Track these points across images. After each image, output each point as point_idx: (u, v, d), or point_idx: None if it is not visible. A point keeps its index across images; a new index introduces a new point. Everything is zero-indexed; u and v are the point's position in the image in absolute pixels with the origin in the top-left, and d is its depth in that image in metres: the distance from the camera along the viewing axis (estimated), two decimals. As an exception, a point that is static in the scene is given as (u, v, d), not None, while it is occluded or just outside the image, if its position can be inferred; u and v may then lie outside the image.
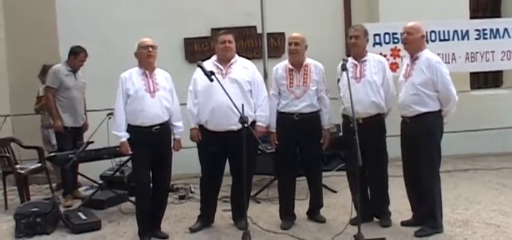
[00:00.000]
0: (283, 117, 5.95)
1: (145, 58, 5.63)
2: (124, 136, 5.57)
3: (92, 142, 7.07)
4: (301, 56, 5.97)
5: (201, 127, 5.86)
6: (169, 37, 8.86)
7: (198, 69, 5.78)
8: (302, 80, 5.92)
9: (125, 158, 7.07)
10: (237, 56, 5.97)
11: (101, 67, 8.35)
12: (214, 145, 5.76)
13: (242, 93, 5.69)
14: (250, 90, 5.84)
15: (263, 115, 5.86)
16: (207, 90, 5.71)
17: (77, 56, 7.62)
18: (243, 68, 5.90)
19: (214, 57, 5.96)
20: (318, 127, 6.02)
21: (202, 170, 6.03)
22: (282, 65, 6.06)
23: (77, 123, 7.68)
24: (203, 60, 5.70)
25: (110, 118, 6.46)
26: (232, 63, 5.86)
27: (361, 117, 5.63)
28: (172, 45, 9.01)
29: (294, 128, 5.88)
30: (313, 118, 5.97)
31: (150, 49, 5.63)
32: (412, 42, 5.51)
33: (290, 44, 5.96)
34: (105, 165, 7.49)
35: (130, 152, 5.61)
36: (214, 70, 5.62)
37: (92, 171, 7.57)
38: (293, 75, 5.94)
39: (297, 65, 5.96)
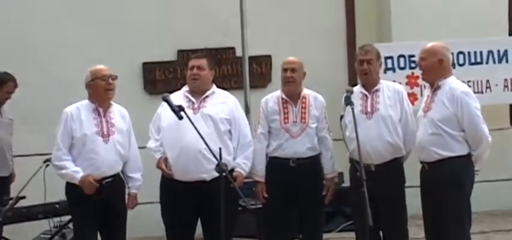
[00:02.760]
0: (275, 163, 5.96)
1: (102, 92, 5.65)
2: (78, 171, 5.50)
3: (23, 197, 7.02)
4: (298, 85, 6.03)
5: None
6: (124, 61, 8.78)
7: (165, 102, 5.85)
8: (300, 115, 5.97)
9: (66, 218, 7.03)
10: (214, 87, 5.99)
11: (35, 100, 8.32)
12: (183, 198, 5.72)
13: (217, 133, 5.65)
14: (229, 131, 5.84)
15: (247, 163, 5.82)
16: (173, 129, 5.68)
17: (3, 85, 7.61)
18: (220, 103, 5.90)
19: (185, 88, 5.99)
20: (318, 175, 6.06)
21: (166, 233, 5.99)
22: (273, 97, 6.11)
23: (2, 172, 7.65)
24: (170, 93, 5.71)
25: (47, 166, 6.45)
26: (207, 96, 5.86)
27: (374, 163, 5.68)
28: (127, 71, 8.91)
29: (290, 177, 5.89)
30: (313, 164, 6.01)
31: (110, 80, 5.66)
32: (427, 69, 5.58)
33: (285, 70, 6.00)
34: (40, 227, 7.44)
35: (97, 185, 5.50)
36: (185, 104, 5.59)
37: (23, 235, 7.50)
38: (288, 108, 5.99)
39: (293, 96, 6.01)
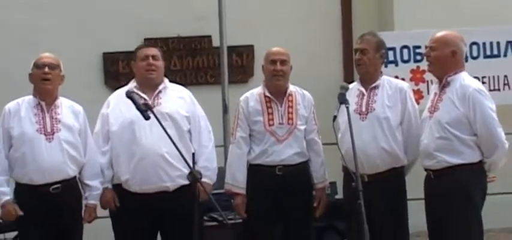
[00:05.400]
0: (258, 172, 5.98)
1: (38, 82, 5.64)
2: (5, 193, 5.51)
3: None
4: (287, 80, 6.06)
5: (118, 187, 5.84)
6: (81, 51, 8.84)
7: (109, 101, 5.90)
8: (286, 115, 5.99)
9: (10, 235, 7.01)
10: (166, 81, 6.01)
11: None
12: (140, 214, 5.74)
13: (179, 134, 5.65)
14: (189, 131, 5.87)
15: (209, 167, 5.82)
16: (127, 132, 5.71)
17: None
18: (177, 98, 5.95)
19: (132, 83, 5.99)
20: (307, 185, 6.09)
21: None
22: (253, 94, 6.13)
23: None
24: (123, 87, 5.78)
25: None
26: (160, 91, 5.88)
27: (367, 172, 5.68)
28: (84, 62, 8.97)
29: (275, 187, 5.93)
30: (301, 172, 6.04)
31: (46, 69, 5.61)
32: (437, 61, 5.58)
33: (273, 62, 6.00)
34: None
35: (20, 213, 5.49)
36: None
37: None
38: (273, 108, 6.01)
39: (279, 93, 6.04)
